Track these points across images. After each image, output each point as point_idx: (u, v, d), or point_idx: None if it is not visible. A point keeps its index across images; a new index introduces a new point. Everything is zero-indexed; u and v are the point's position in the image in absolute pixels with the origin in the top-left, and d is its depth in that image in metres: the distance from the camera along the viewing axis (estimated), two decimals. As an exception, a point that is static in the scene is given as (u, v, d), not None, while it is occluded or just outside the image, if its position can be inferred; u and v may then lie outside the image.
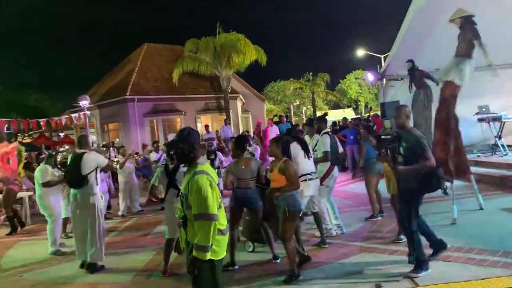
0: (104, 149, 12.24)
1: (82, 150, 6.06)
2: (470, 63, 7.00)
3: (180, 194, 3.22)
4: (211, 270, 3.04)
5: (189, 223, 3.08)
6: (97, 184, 6.07)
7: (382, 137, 4.94)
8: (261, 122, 16.78)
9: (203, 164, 3.19)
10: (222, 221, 3.13)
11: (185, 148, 3.15)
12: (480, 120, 11.47)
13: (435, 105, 8.20)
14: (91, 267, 5.77)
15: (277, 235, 5.12)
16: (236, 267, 5.34)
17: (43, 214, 7.45)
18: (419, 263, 4.54)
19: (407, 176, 4.60)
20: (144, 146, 13.90)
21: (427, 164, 4.48)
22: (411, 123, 5.08)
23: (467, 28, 7.05)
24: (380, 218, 7.21)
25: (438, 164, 6.82)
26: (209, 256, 2.96)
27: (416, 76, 9.16)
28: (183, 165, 3.44)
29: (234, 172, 5.44)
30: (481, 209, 7.03)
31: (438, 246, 4.86)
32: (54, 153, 8.19)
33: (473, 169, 10.38)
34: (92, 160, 5.99)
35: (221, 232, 3.09)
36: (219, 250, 3.07)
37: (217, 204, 3.05)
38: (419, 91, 9.19)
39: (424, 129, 8.85)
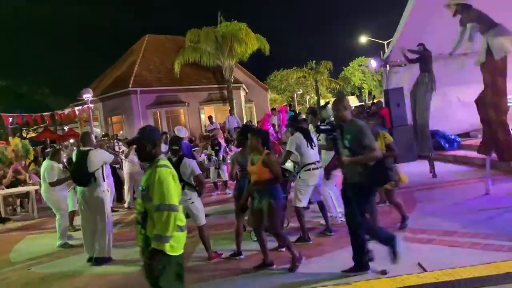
0: (105, 138, 12.27)
1: (87, 148, 6.08)
2: (497, 31, 6.70)
3: (140, 188, 3.26)
4: (170, 265, 3.08)
5: (149, 218, 3.11)
6: (103, 180, 6.12)
7: (322, 127, 4.76)
8: (270, 115, 16.69)
9: (164, 159, 3.28)
10: (181, 217, 3.18)
11: (147, 145, 3.24)
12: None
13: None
14: (98, 261, 5.83)
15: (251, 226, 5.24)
16: (242, 256, 5.39)
17: (51, 208, 7.53)
18: (388, 240, 4.36)
19: (354, 169, 4.38)
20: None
21: (372, 154, 4.26)
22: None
23: (466, 13, 6.96)
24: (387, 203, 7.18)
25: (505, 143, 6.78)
26: (168, 246, 3.00)
27: (427, 59, 9.15)
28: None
29: (240, 161, 5.45)
30: (488, 194, 6.99)
31: (361, 263, 4.52)
32: (59, 148, 8.24)
33: (478, 154, 10.37)
34: (98, 157, 6.03)
35: (180, 228, 3.13)
36: (177, 246, 3.10)
37: (178, 199, 3.11)
38: (424, 74, 9.17)
39: (420, 112, 8.85)
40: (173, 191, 3.07)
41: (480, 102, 7.15)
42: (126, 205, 10.23)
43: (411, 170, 9.48)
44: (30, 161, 13.35)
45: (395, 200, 5.82)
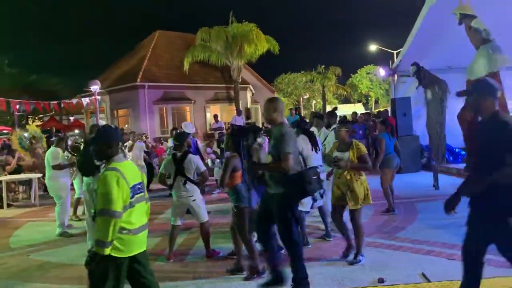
0: None
1: None
2: (492, 46, 6.74)
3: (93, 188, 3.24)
4: (112, 267, 3.05)
5: (96, 220, 3.09)
6: None
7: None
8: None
9: (120, 161, 3.18)
10: (134, 221, 3.13)
11: (102, 145, 3.18)
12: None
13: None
14: None
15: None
16: (241, 256, 5.38)
17: (52, 196, 7.57)
18: (299, 281, 4.09)
19: (273, 177, 4.13)
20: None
21: (282, 164, 3.94)
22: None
23: (465, 19, 6.99)
24: (396, 212, 7.18)
25: None
26: (108, 252, 2.97)
27: (424, 76, 9.11)
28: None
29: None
30: None
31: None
32: (64, 136, 8.29)
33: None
34: None
35: (129, 231, 3.09)
36: (124, 248, 3.07)
37: (123, 203, 3.03)
38: (434, 89, 9.10)
39: (438, 126, 8.80)
40: (116, 196, 2.98)
41: (461, 118, 7.22)
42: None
43: (414, 181, 9.50)
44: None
45: (358, 223, 5.02)
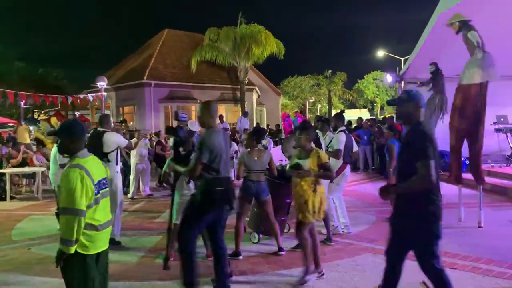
0: (123, 125, 12.25)
1: (103, 129, 6.19)
2: (484, 57, 6.83)
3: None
4: (80, 264, 3.03)
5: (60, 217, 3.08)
6: (116, 164, 6.22)
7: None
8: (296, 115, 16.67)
9: (84, 157, 3.14)
10: (98, 217, 3.11)
11: (64, 139, 3.16)
12: (498, 130, 11.32)
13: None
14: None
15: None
16: (241, 257, 5.38)
17: (54, 190, 7.58)
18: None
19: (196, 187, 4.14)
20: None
21: (188, 170, 4.06)
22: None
23: (462, 29, 7.05)
24: None
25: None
26: (73, 250, 2.95)
27: (439, 80, 9.05)
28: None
29: (247, 162, 5.46)
30: (461, 221, 6.93)
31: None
32: None
33: (486, 179, 10.28)
34: (113, 140, 6.12)
35: (95, 228, 3.08)
36: (90, 245, 3.06)
37: (88, 201, 3.00)
38: (436, 96, 9.11)
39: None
40: (79, 194, 2.93)
41: (449, 126, 7.25)
42: (129, 195, 10.27)
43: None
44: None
45: (303, 235, 4.59)
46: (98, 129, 6.30)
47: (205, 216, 4.14)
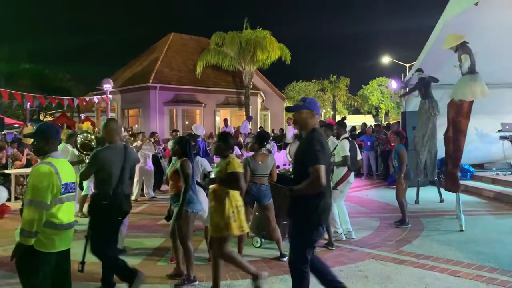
0: (129, 134, 12.26)
1: None
2: (476, 78, 7.08)
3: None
4: (34, 260, 3.10)
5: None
6: None
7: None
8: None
9: (57, 158, 3.30)
10: (60, 216, 3.18)
11: (39, 140, 3.33)
12: (502, 138, 11.29)
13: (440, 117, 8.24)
14: None
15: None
16: (243, 261, 5.37)
17: None
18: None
19: None
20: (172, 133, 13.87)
21: (80, 175, 4.51)
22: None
23: (459, 49, 7.24)
24: (409, 225, 7.15)
25: (450, 175, 6.98)
26: (32, 241, 3.03)
27: (425, 85, 9.24)
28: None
29: (251, 166, 5.47)
30: (461, 230, 6.84)
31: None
32: (74, 132, 8.33)
33: (490, 186, 10.28)
34: None
35: (55, 226, 3.15)
36: (47, 243, 3.12)
37: (53, 197, 3.10)
38: (424, 101, 9.24)
39: (425, 140, 8.92)
40: (45, 188, 3.06)
41: (445, 138, 7.49)
42: (133, 197, 10.29)
43: (421, 195, 9.42)
44: None
45: (217, 254, 4.29)
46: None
47: (105, 226, 4.26)
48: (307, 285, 3.47)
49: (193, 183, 4.76)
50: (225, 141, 4.46)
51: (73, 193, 3.36)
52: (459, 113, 7.15)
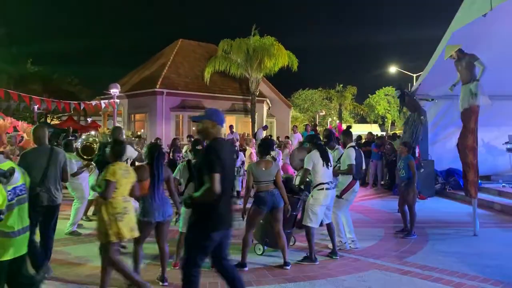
0: (137, 139, 12.32)
1: None
2: (478, 85, 7.30)
3: None
4: None
5: None
6: None
7: None
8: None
9: (1, 162, 3.21)
10: (11, 224, 3.13)
11: None
12: (509, 150, 11.22)
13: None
14: None
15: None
16: (246, 268, 5.36)
17: (72, 195, 7.58)
18: None
19: None
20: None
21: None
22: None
23: (463, 56, 7.49)
24: (415, 236, 7.10)
25: (473, 184, 7.30)
26: None
27: (407, 101, 9.62)
28: None
29: (254, 173, 5.46)
30: (475, 235, 7.09)
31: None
32: (70, 139, 8.32)
33: (497, 199, 10.19)
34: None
35: (7, 234, 3.09)
36: (1, 252, 3.07)
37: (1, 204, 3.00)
38: (414, 114, 9.49)
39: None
40: None
41: (461, 146, 7.58)
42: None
43: (427, 206, 9.38)
44: None
45: (112, 259, 4.29)
46: (109, 140, 6.53)
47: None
48: (196, 282, 3.60)
49: (155, 191, 4.78)
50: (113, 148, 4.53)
51: (24, 195, 3.28)
52: (476, 120, 7.28)
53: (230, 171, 3.71)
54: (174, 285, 4.84)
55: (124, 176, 4.32)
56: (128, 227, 4.27)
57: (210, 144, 3.67)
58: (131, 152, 6.47)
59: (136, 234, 4.42)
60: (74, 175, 7.17)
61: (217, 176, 3.42)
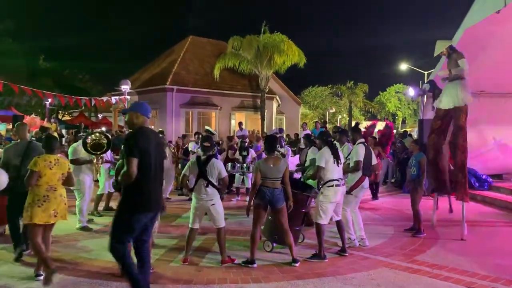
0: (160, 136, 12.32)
1: None
2: (464, 84, 7.09)
3: None
4: None
5: None
6: None
7: None
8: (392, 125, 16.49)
9: None
10: None
11: None
12: (521, 148, 11.10)
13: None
14: None
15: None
16: (255, 265, 5.37)
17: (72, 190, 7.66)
18: None
19: None
20: (184, 136, 14.01)
21: None
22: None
23: (453, 54, 7.26)
24: (424, 235, 7.06)
25: (463, 185, 6.95)
26: None
27: (436, 94, 9.25)
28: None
29: (262, 170, 5.46)
30: (462, 239, 6.79)
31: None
32: (81, 135, 8.43)
33: (508, 197, 10.07)
34: None
35: None
36: None
37: None
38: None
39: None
40: None
41: (451, 144, 7.27)
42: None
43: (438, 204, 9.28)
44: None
45: (31, 240, 4.88)
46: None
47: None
48: (127, 265, 3.89)
49: None
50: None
51: None
52: (466, 119, 7.04)
53: (154, 157, 3.94)
54: (182, 280, 4.86)
55: (49, 167, 4.79)
56: (47, 213, 4.76)
57: (131, 132, 4.01)
58: None
59: (53, 221, 4.85)
60: (73, 162, 7.19)
61: (132, 160, 3.74)
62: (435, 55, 7.57)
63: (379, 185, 13.26)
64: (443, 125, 7.38)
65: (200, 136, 11.93)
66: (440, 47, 7.38)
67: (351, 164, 6.31)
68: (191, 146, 11.39)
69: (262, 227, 5.99)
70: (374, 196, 10.79)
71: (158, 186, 4.10)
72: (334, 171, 5.77)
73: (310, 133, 13.88)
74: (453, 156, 7.16)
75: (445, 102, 7.32)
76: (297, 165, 8.97)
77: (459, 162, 7.00)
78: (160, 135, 10.52)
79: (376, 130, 14.18)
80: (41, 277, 4.74)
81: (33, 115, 20.24)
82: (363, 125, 24.07)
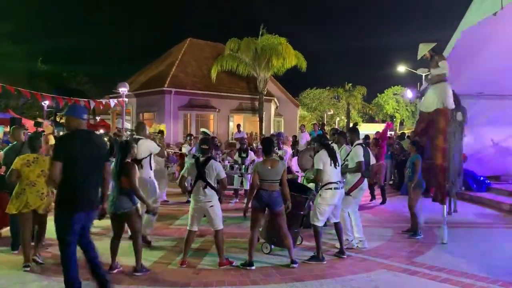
0: (159, 135, 12.35)
1: (138, 136, 6.58)
2: (445, 87, 7.03)
3: None
4: None
5: None
6: (150, 169, 6.54)
7: None
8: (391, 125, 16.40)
9: None
10: None
11: None
12: (520, 150, 11.12)
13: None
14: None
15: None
16: (253, 267, 5.36)
17: None
18: None
19: None
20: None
21: None
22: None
23: (435, 56, 7.22)
24: (422, 236, 7.05)
25: (442, 187, 6.91)
26: None
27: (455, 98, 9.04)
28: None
29: (260, 171, 5.45)
30: (443, 243, 6.71)
31: None
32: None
33: (506, 199, 10.09)
34: (146, 146, 6.46)
35: None
36: None
37: None
38: (456, 113, 9.06)
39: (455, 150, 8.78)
40: None
41: (430, 146, 7.27)
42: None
43: (436, 206, 9.27)
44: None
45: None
46: (134, 136, 6.70)
47: None
48: (67, 261, 4.13)
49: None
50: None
51: None
52: (447, 122, 7.00)
53: (85, 159, 4.08)
54: (180, 283, 4.85)
55: (27, 165, 5.30)
56: (21, 203, 5.28)
57: (59, 136, 4.25)
58: (152, 147, 6.59)
59: (24, 210, 5.27)
60: None
61: (55, 163, 3.94)
62: (418, 58, 7.54)
63: (385, 187, 13.28)
64: (427, 128, 7.36)
65: (193, 137, 11.95)
66: (423, 50, 7.34)
67: (352, 165, 6.31)
68: (185, 149, 11.40)
69: (260, 229, 5.99)
70: (383, 200, 10.65)
71: (90, 187, 4.21)
72: (332, 173, 5.77)
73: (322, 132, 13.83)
74: (434, 158, 7.11)
75: (427, 104, 7.31)
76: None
77: (440, 165, 6.96)
78: (159, 135, 10.59)
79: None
80: (28, 268, 5.19)
81: (46, 121, 20.29)
82: (362, 127, 24.07)
